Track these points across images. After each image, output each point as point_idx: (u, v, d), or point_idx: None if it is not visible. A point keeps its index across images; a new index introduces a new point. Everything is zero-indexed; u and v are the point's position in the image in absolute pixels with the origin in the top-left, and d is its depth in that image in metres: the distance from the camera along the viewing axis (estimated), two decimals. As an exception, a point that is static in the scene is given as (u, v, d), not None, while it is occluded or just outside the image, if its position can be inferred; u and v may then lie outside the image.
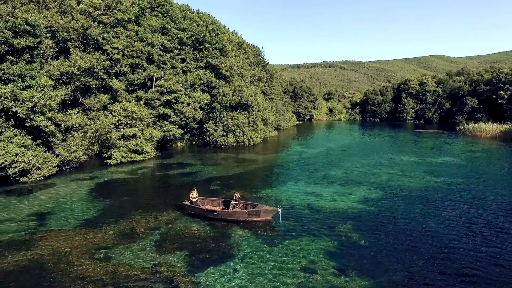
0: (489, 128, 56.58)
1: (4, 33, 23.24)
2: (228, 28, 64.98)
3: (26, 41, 24.74)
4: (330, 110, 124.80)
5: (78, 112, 32.41)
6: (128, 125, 33.24)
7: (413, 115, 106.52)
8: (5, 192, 22.10)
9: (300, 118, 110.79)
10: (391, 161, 33.39)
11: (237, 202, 17.68)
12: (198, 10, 49.68)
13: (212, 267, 12.12)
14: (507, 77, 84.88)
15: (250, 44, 70.38)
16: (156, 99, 37.80)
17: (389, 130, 74.86)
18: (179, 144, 45.43)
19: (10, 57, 24.42)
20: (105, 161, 31.35)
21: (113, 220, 16.77)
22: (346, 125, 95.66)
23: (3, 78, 23.87)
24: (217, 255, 13.13)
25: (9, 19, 23.66)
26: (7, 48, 23.96)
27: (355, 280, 11.30)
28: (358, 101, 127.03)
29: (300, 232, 15.34)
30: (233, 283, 11.13)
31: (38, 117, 24.98)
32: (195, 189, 18.51)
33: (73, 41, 31.58)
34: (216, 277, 11.47)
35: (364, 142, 51.20)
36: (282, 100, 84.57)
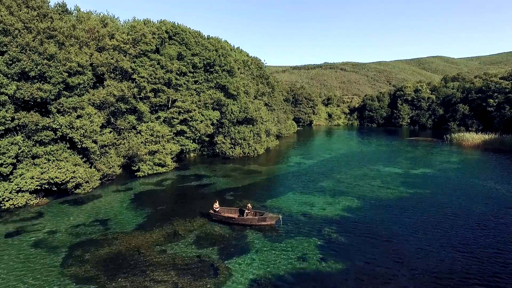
0: (472, 138, 62.29)
1: (63, 75, 29.30)
2: (233, 46, 71.24)
3: (77, 79, 30.84)
4: (329, 115, 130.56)
5: (111, 131, 38.46)
6: (153, 142, 39.32)
7: (408, 121, 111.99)
8: (66, 202, 28.23)
9: (300, 124, 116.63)
10: (376, 172, 39.24)
11: (249, 211, 23.67)
12: (209, 35, 55.80)
13: (236, 257, 18.12)
14: (496, 85, 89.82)
15: (253, 57, 76.62)
16: (174, 118, 43.83)
17: (383, 137, 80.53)
18: (191, 154, 51.45)
19: (65, 92, 30.52)
20: (135, 174, 37.41)
21: (159, 225, 22.80)
22: (344, 131, 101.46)
23: (61, 110, 29.97)
24: (238, 249, 19.13)
25: (65, 63, 29.71)
26: (64, 86, 30.02)
27: (332, 264, 17.25)
28: (356, 106, 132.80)
29: (296, 233, 21.29)
30: (252, 267, 17.11)
31: (87, 140, 31.08)
32: (217, 201, 24.54)
33: (108, 73, 37.68)
34: (240, 263, 17.46)
35: (357, 152, 56.99)
36: (283, 108, 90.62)
